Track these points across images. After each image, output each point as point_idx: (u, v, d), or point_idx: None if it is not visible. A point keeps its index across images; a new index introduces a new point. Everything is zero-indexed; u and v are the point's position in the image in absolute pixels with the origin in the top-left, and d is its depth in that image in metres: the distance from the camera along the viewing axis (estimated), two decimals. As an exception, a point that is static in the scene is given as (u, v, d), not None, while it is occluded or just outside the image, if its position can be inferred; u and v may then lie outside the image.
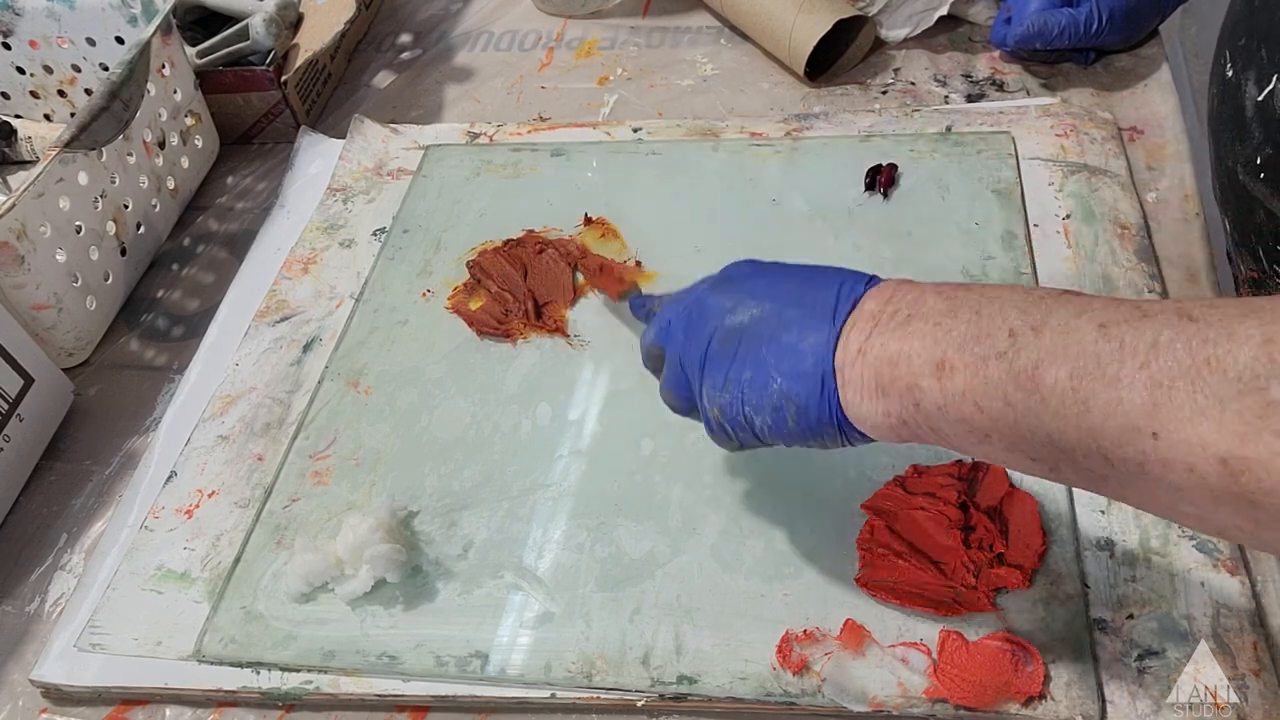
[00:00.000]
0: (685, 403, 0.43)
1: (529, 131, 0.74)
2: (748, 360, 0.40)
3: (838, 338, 0.37)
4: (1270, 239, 0.48)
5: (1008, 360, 0.32)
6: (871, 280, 0.39)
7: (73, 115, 0.63)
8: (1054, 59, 0.72)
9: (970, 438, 0.34)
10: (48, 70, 0.75)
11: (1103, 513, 0.47)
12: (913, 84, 0.73)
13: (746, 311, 0.40)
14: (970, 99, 0.71)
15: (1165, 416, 0.28)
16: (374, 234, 0.68)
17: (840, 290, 0.39)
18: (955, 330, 0.34)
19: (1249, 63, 0.47)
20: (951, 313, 0.35)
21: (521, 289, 0.62)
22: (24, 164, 0.76)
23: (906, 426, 0.36)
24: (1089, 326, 0.31)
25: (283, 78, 0.75)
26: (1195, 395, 0.28)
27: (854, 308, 0.38)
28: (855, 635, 0.44)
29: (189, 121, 0.73)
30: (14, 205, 0.56)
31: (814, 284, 0.40)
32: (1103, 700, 0.41)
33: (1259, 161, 0.47)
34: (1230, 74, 0.49)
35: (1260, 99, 0.46)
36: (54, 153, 0.59)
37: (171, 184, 0.71)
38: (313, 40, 0.78)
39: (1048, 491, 0.48)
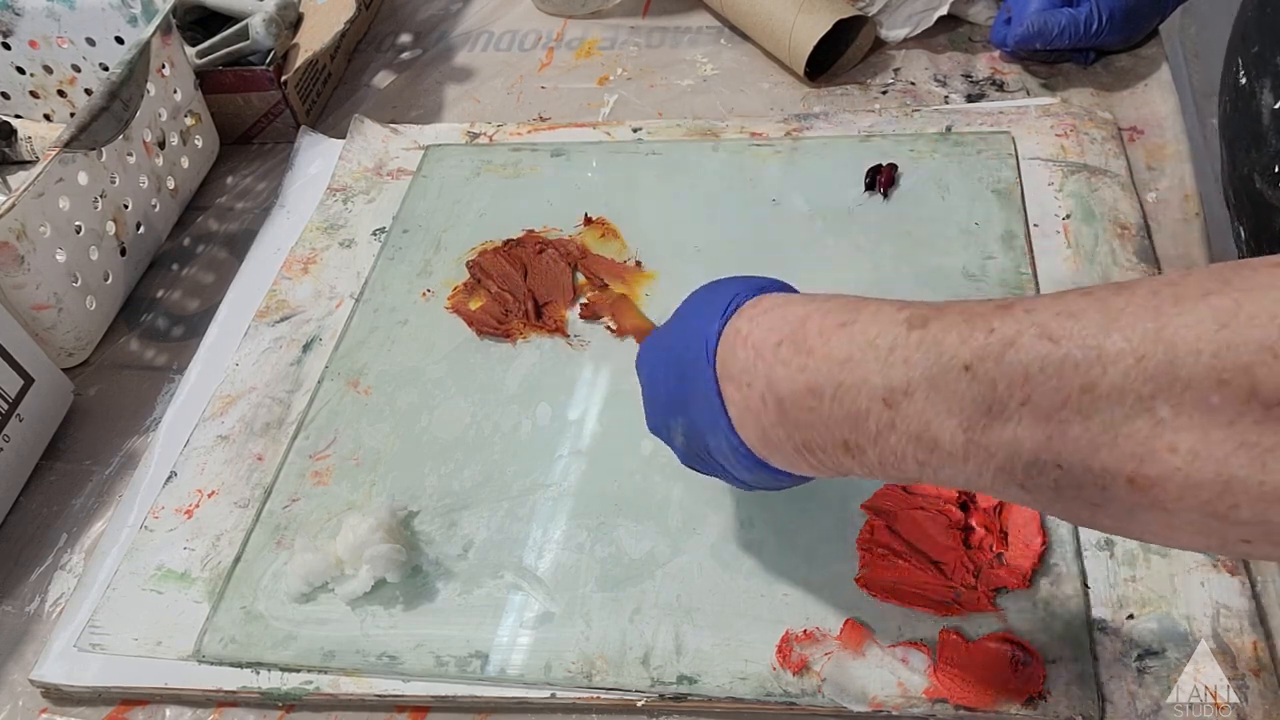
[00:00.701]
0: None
1: (529, 131, 0.74)
2: (709, 465, 0.41)
3: (736, 433, 0.37)
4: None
5: (900, 429, 0.32)
6: (708, 341, 0.38)
7: (72, 115, 0.63)
8: (1054, 59, 0.72)
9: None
10: (47, 70, 0.75)
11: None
12: (913, 84, 0.73)
13: (674, 429, 0.41)
14: (970, 99, 0.71)
15: (1067, 451, 0.28)
16: (374, 234, 0.68)
17: (699, 373, 0.38)
18: (834, 409, 0.33)
19: (1263, 70, 0.47)
20: (813, 390, 0.34)
21: (521, 289, 0.62)
22: (24, 164, 0.76)
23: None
24: (955, 371, 0.30)
25: (283, 78, 0.75)
26: (1088, 426, 0.27)
27: (718, 390, 0.37)
28: (855, 635, 0.44)
29: (189, 121, 0.73)
30: (14, 205, 0.56)
31: (682, 365, 0.39)
32: (1102, 700, 0.41)
33: (1276, 170, 0.47)
34: (1244, 81, 0.49)
35: (1277, 107, 0.46)
36: (54, 153, 0.59)
37: (171, 184, 0.71)
38: (313, 40, 0.78)
39: (1048, 491, 0.48)
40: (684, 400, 0.39)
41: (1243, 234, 0.54)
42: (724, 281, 0.41)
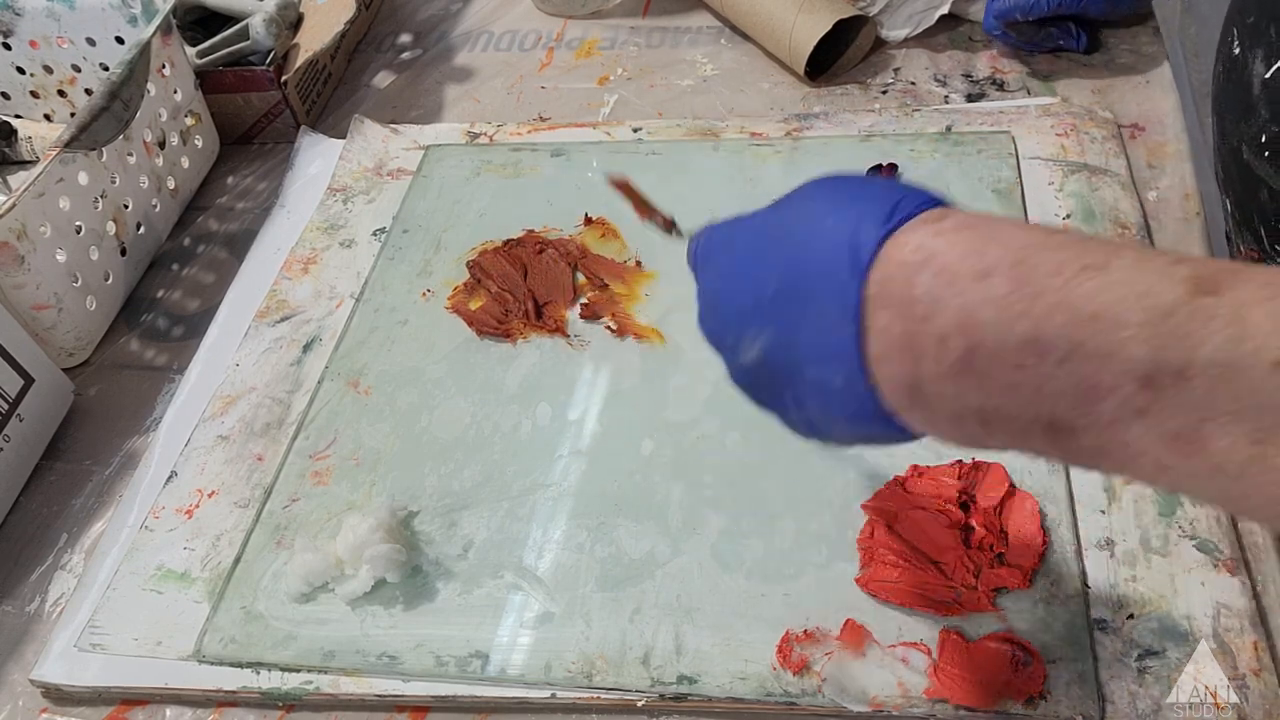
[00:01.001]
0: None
1: (529, 131, 0.74)
2: (791, 399, 0.33)
3: (866, 372, 0.29)
4: (1273, 218, 0.48)
5: (1153, 420, 0.24)
6: (863, 248, 0.29)
7: (73, 115, 0.63)
8: (1048, 46, 0.71)
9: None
10: (48, 70, 0.75)
11: (1103, 512, 0.47)
12: (913, 84, 0.73)
13: (752, 345, 0.33)
14: (970, 98, 0.71)
15: None
16: (374, 234, 0.68)
17: (836, 287, 0.29)
18: (1056, 375, 0.25)
19: (1257, 40, 0.47)
20: (1033, 343, 0.25)
21: (521, 289, 0.62)
22: (24, 164, 0.76)
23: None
24: (1263, 367, 0.23)
25: (283, 78, 0.75)
26: None
27: (864, 323, 0.29)
28: (855, 635, 0.44)
29: (189, 121, 0.73)
30: (14, 205, 0.56)
31: (802, 268, 0.31)
32: (1103, 700, 0.41)
33: (1264, 140, 0.47)
34: (1237, 52, 0.49)
35: (1268, 77, 0.46)
36: (54, 153, 0.59)
37: (171, 184, 0.71)
38: (313, 40, 0.78)
39: (1048, 491, 0.48)
40: (788, 312, 0.31)
41: (1229, 206, 0.54)
42: (862, 180, 0.32)
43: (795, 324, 0.31)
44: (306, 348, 0.61)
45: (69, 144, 0.60)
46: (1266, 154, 0.47)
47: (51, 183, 0.59)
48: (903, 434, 0.30)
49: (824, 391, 0.31)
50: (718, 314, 0.35)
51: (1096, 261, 0.25)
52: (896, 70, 0.75)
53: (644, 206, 0.47)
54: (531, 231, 0.66)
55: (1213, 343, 0.23)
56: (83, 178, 0.61)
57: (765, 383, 0.33)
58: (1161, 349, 0.23)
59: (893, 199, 0.29)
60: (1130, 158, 0.64)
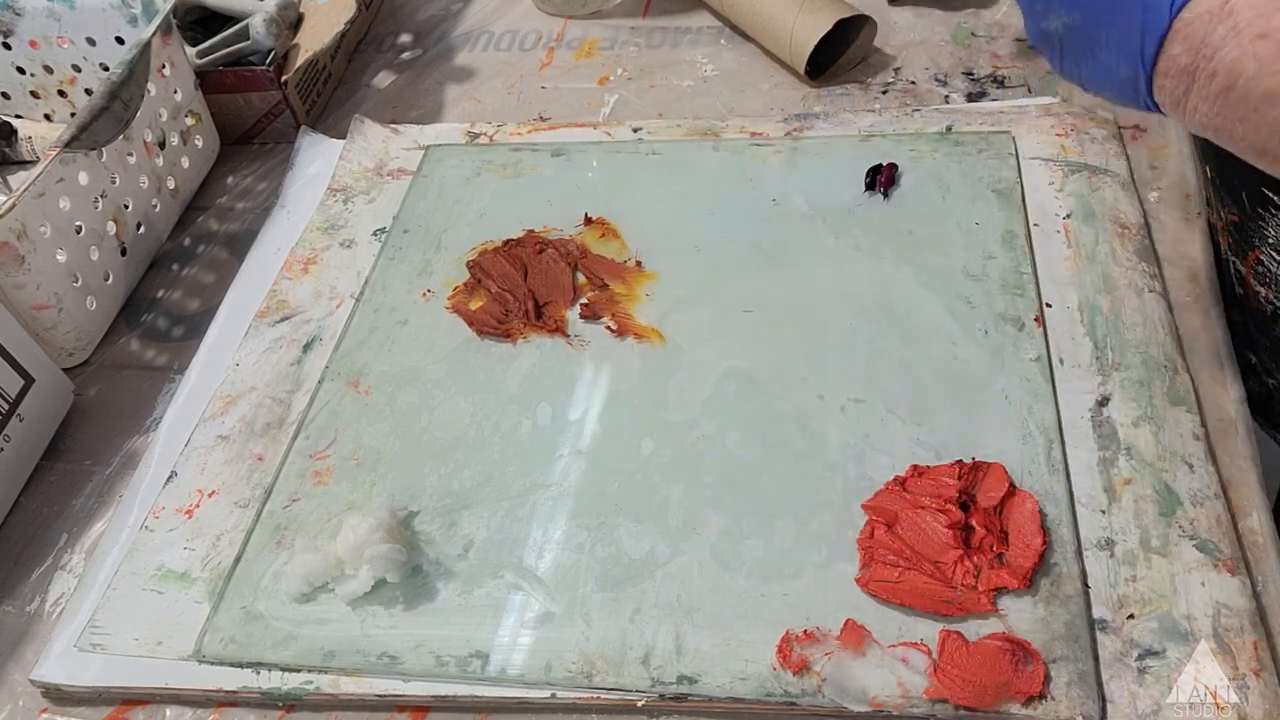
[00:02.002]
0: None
1: (529, 131, 0.74)
2: (1074, 61, 0.43)
3: (1149, 83, 0.39)
4: (1252, 181, 0.48)
5: None
6: None
7: (73, 115, 0.64)
8: None
9: None
10: (48, 70, 0.75)
11: (1103, 512, 0.47)
12: (913, 83, 0.73)
13: (1055, 18, 0.42)
14: (971, 98, 0.71)
15: None
16: (374, 234, 0.68)
17: (1146, 12, 0.38)
18: None
19: None
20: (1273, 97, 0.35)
21: (522, 289, 0.62)
22: (24, 164, 0.76)
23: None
24: None
25: (283, 78, 0.75)
26: None
27: (1161, 47, 0.38)
28: (855, 635, 0.44)
29: (189, 121, 0.73)
30: (14, 205, 0.56)
31: None
32: (1103, 700, 0.41)
33: None
34: None
35: None
36: (54, 153, 0.59)
37: (172, 184, 0.71)
38: (313, 40, 0.78)
39: (1048, 491, 0.48)
40: (1101, 10, 0.40)
41: (1208, 173, 0.55)
42: None
43: (1104, 20, 0.40)
44: (307, 348, 0.61)
45: (69, 144, 0.60)
46: None
47: (51, 183, 0.59)
48: (1156, 109, 0.40)
49: (1108, 73, 0.41)
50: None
51: None
52: (897, 70, 0.75)
53: None
54: (531, 231, 0.66)
55: None
56: (83, 178, 0.61)
57: (1053, 45, 0.43)
58: None
59: None
60: (1131, 158, 0.64)
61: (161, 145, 0.70)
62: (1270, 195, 0.47)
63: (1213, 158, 0.53)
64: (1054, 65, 0.44)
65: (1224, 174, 0.52)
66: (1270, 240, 0.48)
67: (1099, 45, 0.40)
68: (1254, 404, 0.53)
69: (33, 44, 0.74)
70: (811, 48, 0.71)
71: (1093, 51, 0.41)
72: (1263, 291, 0.50)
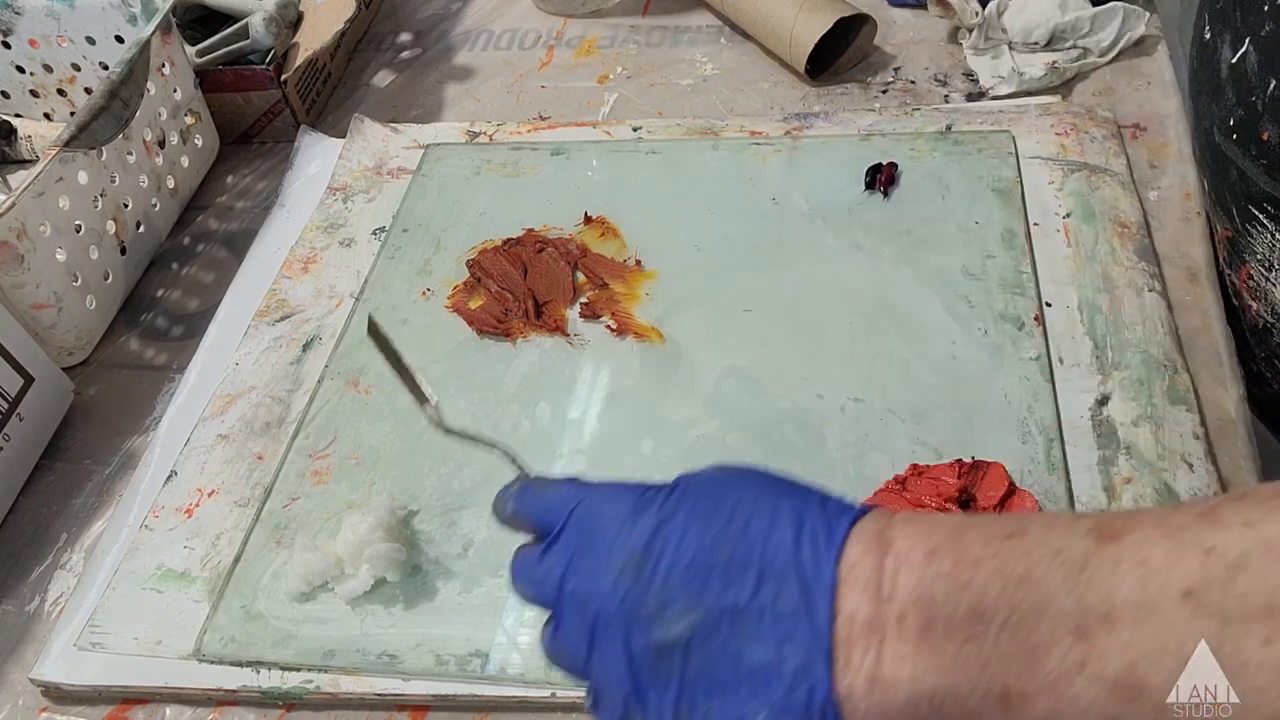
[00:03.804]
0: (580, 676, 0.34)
1: (529, 130, 0.74)
2: (703, 687, 0.30)
3: (830, 657, 0.28)
4: (1242, 198, 0.48)
5: (1092, 669, 0.26)
6: (834, 524, 0.30)
7: (72, 114, 0.63)
8: None
9: None
10: (47, 69, 0.75)
11: (1102, 511, 0.47)
12: (913, 83, 0.73)
13: (679, 619, 0.30)
14: (970, 98, 0.71)
15: None
16: (374, 233, 0.68)
17: (804, 571, 0.29)
18: (1001, 642, 0.27)
19: (1225, 25, 0.48)
20: (978, 613, 0.27)
21: (521, 288, 0.62)
22: (24, 163, 0.76)
23: None
24: (1172, 599, 0.25)
25: (282, 77, 0.75)
26: None
27: (835, 607, 0.28)
28: (855, 634, 0.44)
29: (189, 120, 0.73)
30: (14, 204, 0.56)
31: (759, 551, 0.30)
32: (1103, 699, 0.41)
33: (1232, 123, 0.48)
34: (1208, 36, 0.50)
35: (1234, 61, 0.47)
36: (54, 152, 0.59)
37: (171, 183, 0.71)
38: (312, 39, 0.78)
39: (1048, 491, 0.48)
40: (734, 590, 0.29)
41: (1205, 186, 0.55)
42: (773, 473, 0.33)
43: (745, 603, 0.29)
44: (306, 347, 0.61)
45: (69, 143, 0.60)
46: (1234, 136, 0.48)
47: (51, 182, 0.59)
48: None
49: (765, 677, 0.29)
50: (626, 578, 0.31)
51: (1016, 530, 0.28)
52: (896, 69, 0.75)
53: (400, 368, 0.44)
54: (531, 230, 0.66)
55: (1127, 584, 0.25)
56: (82, 177, 0.61)
57: (671, 665, 0.30)
58: (1084, 599, 0.26)
59: (835, 496, 0.31)
60: (1131, 158, 0.64)
61: (161, 144, 0.70)
62: (1257, 213, 0.47)
63: (1209, 170, 0.53)
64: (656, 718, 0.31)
65: (1217, 187, 0.52)
66: (1259, 256, 0.48)
67: (744, 639, 0.29)
68: (1259, 410, 0.54)
69: (32, 43, 0.74)
70: (811, 47, 0.71)
71: (737, 654, 0.29)
72: (1254, 305, 0.50)
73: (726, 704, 0.29)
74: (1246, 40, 0.46)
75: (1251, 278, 0.50)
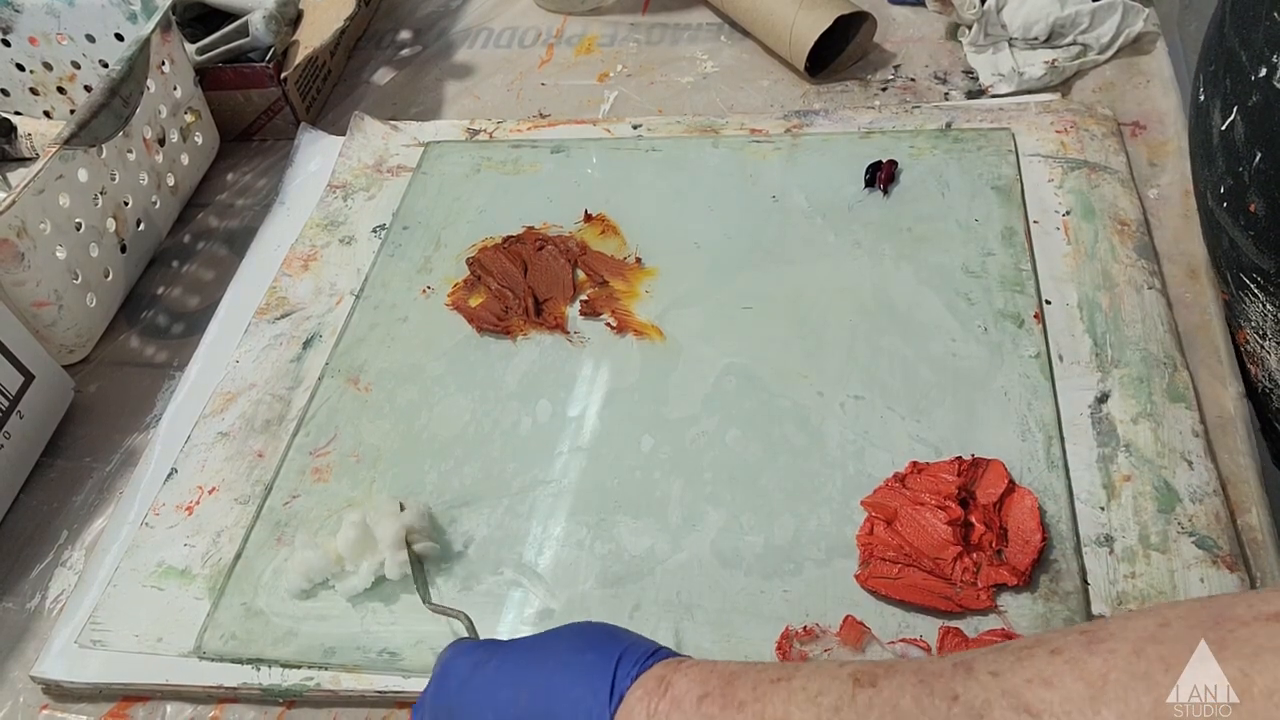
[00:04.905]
0: None
1: (529, 128, 0.74)
2: None
3: None
4: (1234, 266, 0.48)
5: None
6: (616, 687, 0.34)
7: (72, 112, 0.63)
8: None
9: None
10: (47, 67, 0.75)
11: (1102, 509, 0.47)
12: (913, 80, 0.73)
13: None
14: (970, 95, 0.71)
15: None
16: (374, 231, 0.68)
17: (589, 711, 0.33)
18: None
19: (1216, 90, 0.47)
20: None
21: (521, 286, 0.62)
22: (24, 161, 0.76)
23: None
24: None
25: (282, 74, 0.75)
26: None
27: None
28: (855, 632, 0.44)
29: (189, 118, 0.73)
30: (14, 202, 0.56)
31: (556, 709, 0.34)
32: (1102, 696, 0.41)
33: (1222, 190, 0.47)
34: (1202, 99, 0.49)
35: (1223, 128, 0.46)
36: (54, 150, 0.59)
37: (171, 181, 0.71)
38: (312, 37, 0.78)
39: (1047, 488, 0.48)
40: None
41: (1207, 245, 0.54)
42: (612, 629, 0.37)
43: None
44: (307, 344, 0.61)
45: (69, 141, 0.60)
46: (1225, 204, 0.47)
47: (51, 180, 0.59)
48: None
49: None
50: None
51: (783, 675, 0.31)
52: (897, 67, 0.74)
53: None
54: (531, 228, 0.66)
55: None
56: (82, 175, 0.61)
57: None
58: None
59: (620, 645, 0.35)
60: (1131, 155, 0.64)
61: (161, 142, 0.70)
62: (1248, 281, 0.47)
63: (1206, 233, 0.53)
64: None
65: (1213, 251, 0.52)
66: (1253, 324, 0.48)
67: None
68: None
69: (32, 41, 0.74)
70: (811, 44, 0.71)
71: None
72: (1254, 370, 0.50)
73: None
74: (1234, 109, 0.45)
75: (1248, 342, 0.49)
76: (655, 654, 0.35)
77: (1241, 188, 0.45)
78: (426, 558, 0.49)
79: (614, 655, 0.34)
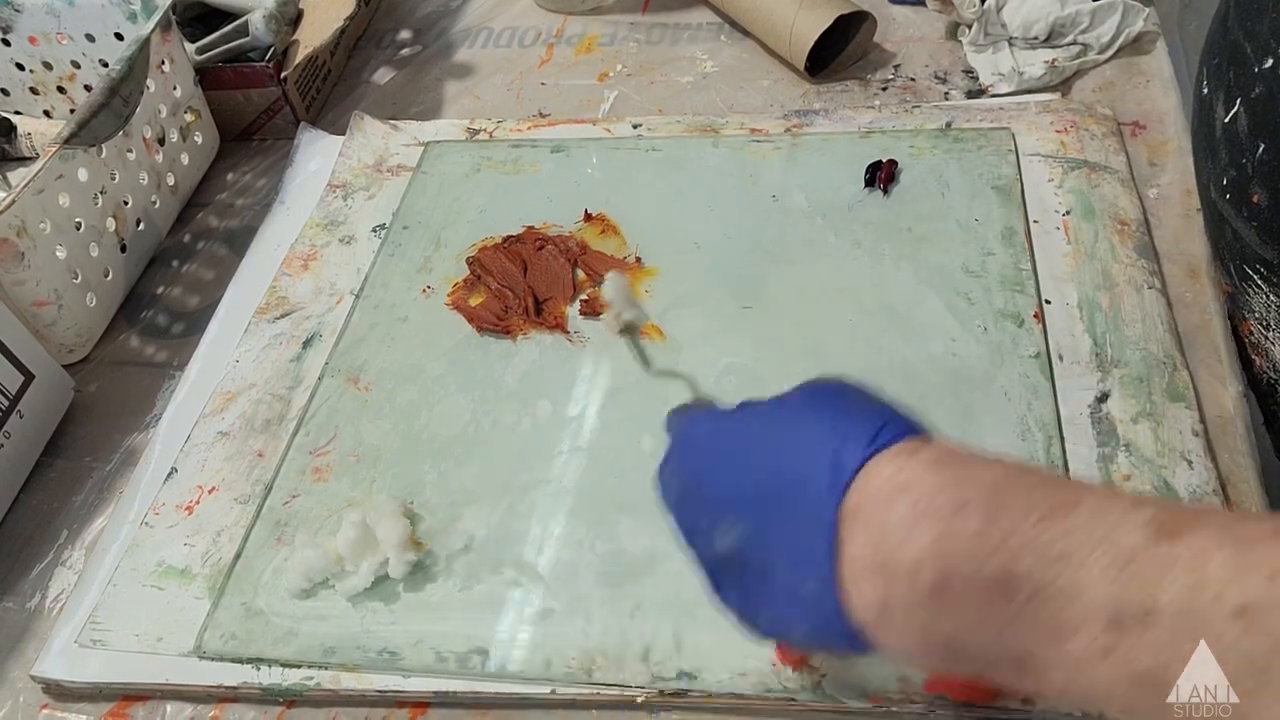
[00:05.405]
0: None
1: (529, 128, 0.74)
2: (755, 597, 0.33)
3: (841, 590, 0.30)
4: (1237, 257, 0.48)
5: (1119, 659, 0.25)
6: (846, 466, 0.30)
7: (72, 112, 0.63)
8: None
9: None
10: (47, 67, 0.75)
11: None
12: (913, 80, 0.73)
13: (728, 533, 0.33)
14: (970, 95, 0.71)
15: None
16: (374, 230, 0.68)
17: (817, 502, 0.30)
18: (1026, 612, 0.26)
19: (1219, 83, 0.47)
20: (1004, 581, 0.26)
21: (521, 285, 0.62)
22: (24, 160, 0.76)
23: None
24: (1223, 614, 0.24)
25: (282, 74, 0.75)
26: None
27: (840, 540, 0.30)
28: (855, 631, 0.44)
29: (189, 118, 0.73)
30: (14, 202, 0.56)
31: (788, 474, 0.32)
32: (1102, 696, 0.41)
33: (1225, 182, 0.47)
34: (1205, 93, 0.49)
35: (1226, 120, 0.46)
36: (54, 149, 0.59)
37: (171, 180, 0.71)
38: (312, 36, 0.78)
39: (1047, 488, 0.48)
40: (767, 512, 0.32)
41: (1209, 238, 0.54)
42: (849, 391, 0.34)
43: (772, 525, 0.32)
44: (306, 344, 0.61)
45: (68, 140, 0.60)
46: (1227, 196, 0.47)
47: (51, 179, 0.59)
48: (866, 649, 0.30)
49: (792, 596, 0.31)
50: (697, 496, 0.35)
51: (1065, 503, 0.26)
52: (897, 67, 0.74)
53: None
54: (531, 228, 0.66)
55: (1174, 589, 0.24)
56: (82, 174, 0.61)
57: (732, 572, 0.34)
58: (1124, 592, 0.25)
59: (877, 423, 0.31)
60: (1131, 155, 0.64)
61: (161, 142, 0.70)
62: (1251, 273, 0.47)
63: (1209, 225, 0.53)
64: (747, 621, 0.35)
65: (1216, 243, 0.52)
66: (1257, 315, 0.48)
67: (775, 557, 0.32)
68: None
69: (32, 40, 0.73)
70: (811, 44, 0.71)
71: (771, 570, 0.32)
72: (1258, 361, 0.50)
73: (774, 615, 0.33)
74: (1238, 101, 0.45)
75: (1252, 334, 0.49)
76: (904, 429, 0.31)
77: (1245, 179, 0.45)
78: (637, 326, 0.47)
79: (845, 427, 0.31)
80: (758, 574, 0.32)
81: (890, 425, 0.31)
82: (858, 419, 0.31)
